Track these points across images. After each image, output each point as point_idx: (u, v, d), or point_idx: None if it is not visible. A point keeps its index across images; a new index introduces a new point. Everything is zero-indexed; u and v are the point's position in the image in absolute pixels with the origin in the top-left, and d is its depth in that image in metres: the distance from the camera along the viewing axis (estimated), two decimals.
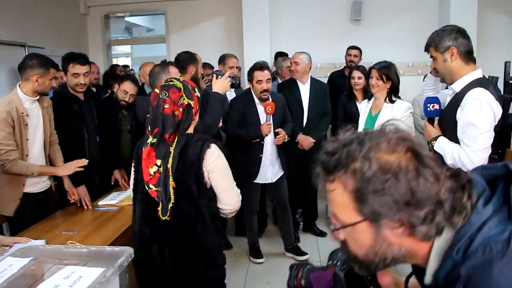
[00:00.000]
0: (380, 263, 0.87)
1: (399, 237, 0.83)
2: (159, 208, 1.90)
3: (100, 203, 3.07)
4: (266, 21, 5.79)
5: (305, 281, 1.14)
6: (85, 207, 3.00)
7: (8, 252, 2.24)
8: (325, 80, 5.14)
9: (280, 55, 5.32)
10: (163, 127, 1.87)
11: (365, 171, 0.80)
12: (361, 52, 5.10)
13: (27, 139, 2.81)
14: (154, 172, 1.89)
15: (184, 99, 1.89)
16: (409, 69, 5.82)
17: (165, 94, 1.87)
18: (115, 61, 7.00)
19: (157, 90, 1.92)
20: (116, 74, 5.03)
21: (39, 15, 5.16)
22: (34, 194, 2.90)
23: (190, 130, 1.96)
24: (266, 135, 3.56)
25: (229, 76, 2.98)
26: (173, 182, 1.87)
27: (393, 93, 3.17)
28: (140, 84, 4.07)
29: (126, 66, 6.15)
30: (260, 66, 3.63)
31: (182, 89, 1.90)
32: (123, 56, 9.00)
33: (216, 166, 1.91)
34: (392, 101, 3.16)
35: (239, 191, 2.04)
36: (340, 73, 5.17)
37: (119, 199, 3.10)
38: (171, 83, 1.94)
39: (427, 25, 5.64)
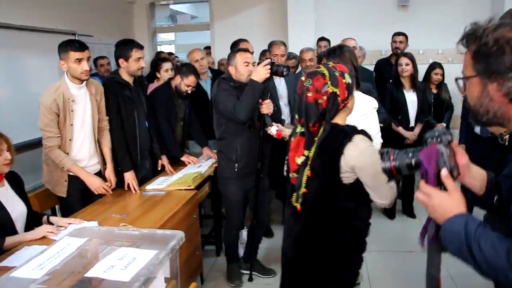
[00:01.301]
0: (484, 115, 1.15)
1: (500, 98, 1.10)
2: (294, 194, 1.92)
3: (148, 187, 3.15)
4: (311, 7, 5.72)
5: (415, 160, 1.28)
6: (133, 192, 3.08)
7: (65, 232, 2.37)
8: (371, 68, 5.06)
9: (322, 40, 5.24)
10: (306, 116, 1.83)
11: (484, 39, 1.08)
12: (407, 38, 4.96)
13: (72, 125, 2.90)
14: (301, 162, 1.88)
15: (328, 86, 1.80)
16: (459, 56, 5.59)
17: (309, 82, 1.82)
18: (159, 49, 7.10)
19: (303, 78, 1.88)
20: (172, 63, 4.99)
21: (88, 4, 5.29)
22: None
23: (340, 119, 1.88)
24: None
25: (273, 63, 2.96)
26: (309, 171, 1.83)
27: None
28: None
29: (171, 54, 6.22)
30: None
31: (328, 76, 1.81)
32: (167, 43, 9.10)
33: (361, 162, 1.77)
34: None
35: (392, 183, 1.83)
36: (386, 61, 5.06)
37: (166, 184, 3.16)
38: (318, 69, 1.87)
39: (477, 10, 5.44)
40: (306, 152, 1.85)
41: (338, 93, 1.80)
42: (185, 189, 3.05)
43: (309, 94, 1.81)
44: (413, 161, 1.28)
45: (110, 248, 1.66)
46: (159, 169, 3.54)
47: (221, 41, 6.13)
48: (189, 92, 3.63)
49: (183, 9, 7.81)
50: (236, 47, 3.65)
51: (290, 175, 1.94)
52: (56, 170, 2.94)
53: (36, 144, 4.09)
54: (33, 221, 2.55)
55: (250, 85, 2.91)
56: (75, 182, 2.95)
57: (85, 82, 2.95)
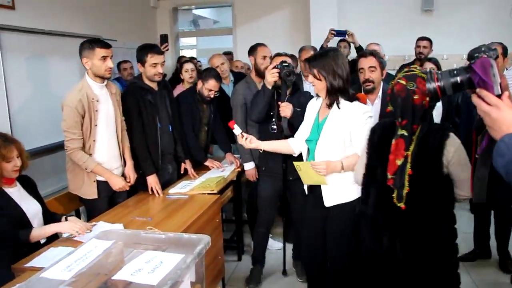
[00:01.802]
0: None
1: None
2: (394, 195, 2.00)
3: (171, 191, 3.16)
4: (334, 12, 5.70)
5: (460, 78, 1.33)
6: (156, 195, 3.10)
7: (92, 234, 2.40)
8: (393, 73, 5.01)
9: (342, 41, 5.20)
10: (413, 118, 1.96)
11: None
12: (431, 43, 4.90)
13: (96, 125, 2.92)
14: (401, 163, 1.99)
15: (428, 88, 1.90)
16: None
17: (414, 85, 1.92)
18: (181, 53, 7.15)
19: (403, 82, 1.95)
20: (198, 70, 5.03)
21: (112, 9, 5.36)
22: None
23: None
24: None
25: (282, 67, 2.99)
26: (410, 169, 1.96)
27: (339, 94, 2.48)
28: None
29: (193, 58, 6.25)
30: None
31: (426, 78, 1.90)
32: (188, 48, 9.16)
33: (457, 156, 1.97)
34: (336, 104, 2.49)
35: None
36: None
37: (189, 188, 3.17)
38: (413, 72, 1.95)
39: (501, 16, 5.35)
40: (405, 153, 1.99)
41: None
42: (208, 193, 3.06)
43: (416, 97, 1.92)
44: (458, 79, 1.28)
45: (137, 251, 1.67)
46: (182, 172, 3.55)
47: (243, 45, 6.12)
48: (212, 96, 3.64)
49: (206, 14, 7.85)
50: (254, 51, 3.66)
51: (386, 176, 2.03)
52: (82, 173, 2.96)
53: (59, 147, 4.16)
54: (50, 222, 2.59)
55: (261, 88, 3.16)
56: (102, 185, 2.98)
57: (105, 82, 2.99)
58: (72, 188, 3.05)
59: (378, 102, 2.98)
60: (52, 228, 2.42)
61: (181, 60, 5.84)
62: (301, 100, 3.16)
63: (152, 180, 3.16)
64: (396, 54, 5.67)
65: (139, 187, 3.22)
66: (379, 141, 2.14)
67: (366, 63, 2.92)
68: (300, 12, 6.14)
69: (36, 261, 2.17)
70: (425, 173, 1.96)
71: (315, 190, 2.63)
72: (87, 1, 4.82)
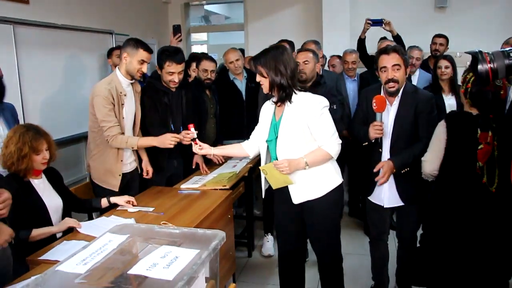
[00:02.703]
0: None
1: None
2: (485, 180, 2.27)
3: (183, 186, 3.17)
4: (347, 9, 5.67)
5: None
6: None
7: (99, 226, 2.46)
8: None
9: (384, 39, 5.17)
10: (500, 110, 2.31)
11: None
12: (447, 40, 4.85)
13: (123, 118, 2.99)
14: (491, 153, 2.27)
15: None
16: None
17: (500, 82, 2.20)
18: (192, 49, 7.15)
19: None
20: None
21: (125, 4, 5.37)
22: (124, 174, 3.06)
23: None
24: (373, 140, 2.75)
25: None
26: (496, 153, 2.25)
27: (281, 88, 2.44)
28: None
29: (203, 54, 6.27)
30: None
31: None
32: (199, 43, 9.16)
33: None
34: (285, 100, 2.47)
35: None
36: (424, 64, 4.96)
37: (201, 183, 3.18)
38: None
39: None
40: (494, 143, 2.25)
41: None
42: (220, 189, 3.06)
43: (502, 92, 2.24)
44: (494, 65, 1.24)
45: (151, 246, 1.67)
46: (193, 167, 3.55)
47: (255, 41, 6.13)
48: (212, 78, 3.62)
49: (217, 9, 7.84)
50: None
51: (480, 165, 2.27)
52: (108, 164, 3.03)
53: (72, 140, 4.21)
54: (78, 209, 2.74)
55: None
56: (122, 178, 3.03)
57: (133, 80, 3.06)
58: (95, 177, 3.12)
59: (396, 103, 2.74)
60: (52, 229, 2.44)
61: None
62: (318, 93, 3.12)
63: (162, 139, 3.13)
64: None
65: (150, 182, 3.28)
66: (460, 133, 2.34)
67: (389, 60, 2.66)
68: (312, 7, 6.10)
69: (50, 254, 2.20)
70: (509, 158, 2.18)
71: (282, 189, 2.59)
72: None
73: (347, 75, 4.50)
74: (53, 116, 3.97)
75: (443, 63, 3.96)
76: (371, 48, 4.78)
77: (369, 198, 2.92)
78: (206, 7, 7.36)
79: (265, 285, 3.41)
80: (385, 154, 2.78)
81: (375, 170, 2.71)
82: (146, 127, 3.25)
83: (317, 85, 3.41)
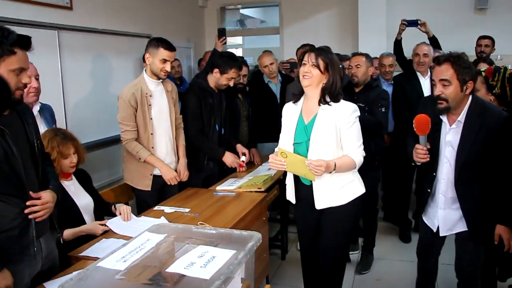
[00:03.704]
0: None
1: None
2: None
3: (218, 188, 3.20)
4: (383, 12, 5.60)
5: None
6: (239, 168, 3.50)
7: (136, 226, 2.53)
8: None
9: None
10: None
11: None
12: (493, 42, 4.70)
13: (151, 119, 3.04)
14: None
15: None
16: None
17: None
18: None
19: None
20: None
21: (162, 8, 5.47)
22: (160, 176, 3.12)
23: None
24: (420, 164, 2.44)
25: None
26: None
27: (332, 90, 2.43)
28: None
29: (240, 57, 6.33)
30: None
31: None
32: (234, 47, 9.22)
33: None
34: (328, 102, 2.44)
35: None
36: None
37: (236, 185, 3.21)
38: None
39: None
40: None
41: None
42: (255, 191, 3.08)
43: None
44: None
45: (189, 246, 1.70)
46: (251, 160, 3.73)
47: (290, 45, 6.12)
48: (243, 82, 3.71)
49: (252, 13, 7.88)
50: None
51: None
52: (138, 165, 3.09)
53: (112, 141, 4.32)
54: (105, 212, 2.75)
55: None
56: (156, 180, 3.09)
57: (159, 79, 3.10)
58: (126, 178, 3.21)
59: (457, 126, 2.34)
60: (82, 229, 2.49)
61: None
62: (370, 96, 3.44)
63: (228, 158, 3.41)
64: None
65: (187, 183, 3.33)
66: None
67: (437, 74, 2.29)
68: (348, 11, 6.06)
69: (90, 251, 2.27)
70: None
71: (306, 193, 2.54)
72: (139, 1, 4.94)
73: (384, 79, 4.45)
74: (92, 117, 4.09)
75: (483, 66, 3.85)
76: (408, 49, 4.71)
77: (422, 216, 2.64)
78: (242, 11, 7.41)
79: None
80: (445, 182, 2.43)
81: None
82: (187, 123, 3.33)
83: (369, 88, 3.51)
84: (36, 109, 2.75)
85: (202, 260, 1.55)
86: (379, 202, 4.73)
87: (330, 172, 2.37)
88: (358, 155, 2.46)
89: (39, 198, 1.86)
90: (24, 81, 1.80)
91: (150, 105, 3.03)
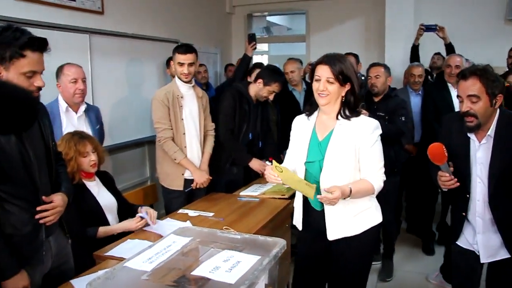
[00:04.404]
0: None
1: None
2: None
3: (242, 193, 3.22)
4: (410, 21, 5.53)
5: None
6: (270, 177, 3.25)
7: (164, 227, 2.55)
8: None
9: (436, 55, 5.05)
10: None
11: None
12: None
13: (182, 119, 3.14)
14: None
15: None
16: None
17: None
18: (253, 59, 7.23)
19: None
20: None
21: (191, 14, 5.55)
22: (189, 181, 3.19)
23: None
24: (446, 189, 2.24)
25: None
26: None
27: (352, 102, 2.14)
28: None
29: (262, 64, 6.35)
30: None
31: None
32: (260, 54, 9.28)
33: None
34: (350, 116, 2.14)
35: None
36: None
37: (260, 191, 3.22)
38: None
39: None
40: None
41: None
42: (279, 198, 3.09)
43: None
44: None
45: (213, 250, 1.72)
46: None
47: (316, 52, 6.09)
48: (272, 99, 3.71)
49: (279, 20, 7.92)
50: None
51: None
52: (172, 165, 3.18)
53: (140, 143, 4.40)
54: (128, 214, 2.75)
55: None
56: (185, 183, 3.16)
57: (192, 84, 3.21)
58: (161, 179, 3.32)
59: (487, 142, 2.18)
60: (116, 227, 2.55)
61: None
62: (389, 105, 3.47)
63: (255, 164, 3.42)
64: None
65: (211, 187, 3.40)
66: None
67: (465, 89, 2.13)
68: (374, 20, 6.03)
69: (115, 251, 2.30)
70: None
71: (316, 219, 2.21)
72: (168, 7, 5.02)
73: (412, 89, 4.40)
74: (119, 120, 4.16)
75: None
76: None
77: (457, 243, 2.38)
78: (268, 18, 7.45)
79: None
80: (481, 203, 2.22)
81: None
82: (219, 122, 3.40)
83: (387, 98, 3.58)
84: (81, 110, 2.96)
85: (227, 264, 1.56)
86: (403, 213, 4.70)
87: (344, 198, 2.05)
88: (378, 179, 2.14)
89: (50, 202, 1.89)
90: (37, 84, 1.76)
91: (181, 106, 3.15)
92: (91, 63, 3.79)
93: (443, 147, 2.09)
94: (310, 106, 2.26)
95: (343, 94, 2.11)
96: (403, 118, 3.48)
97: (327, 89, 2.07)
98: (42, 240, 1.91)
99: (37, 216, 1.85)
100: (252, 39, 4.40)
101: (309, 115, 2.26)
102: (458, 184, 2.15)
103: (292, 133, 2.34)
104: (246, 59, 4.26)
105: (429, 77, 4.87)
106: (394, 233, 3.86)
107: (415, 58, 4.71)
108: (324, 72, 2.07)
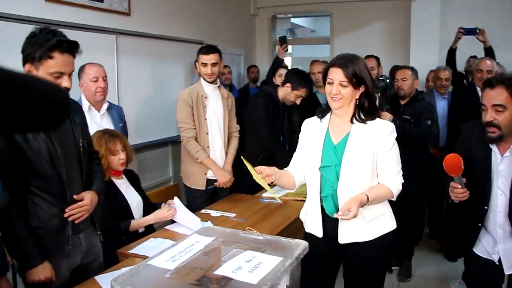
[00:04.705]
0: None
1: None
2: None
3: (264, 195, 3.23)
4: (436, 23, 5.47)
5: None
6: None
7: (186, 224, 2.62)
8: None
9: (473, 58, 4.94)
10: None
11: None
12: None
13: (206, 119, 3.18)
14: None
15: None
16: None
17: None
18: None
19: None
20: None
21: (215, 16, 5.58)
22: (212, 180, 3.22)
23: None
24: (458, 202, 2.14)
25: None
26: None
27: (367, 105, 2.07)
28: None
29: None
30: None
31: None
32: (284, 55, 9.28)
33: None
34: (365, 120, 2.07)
35: None
36: None
37: (283, 193, 3.22)
38: None
39: None
40: None
41: None
42: (301, 200, 3.07)
43: None
44: None
45: (236, 250, 1.72)
46: None
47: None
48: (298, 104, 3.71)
49: (303, 22, 7.92)
50: None
51: None
52: (195, 164, 3.22)
53: (164, 143, 4.45)
54: (150, 212, 2.78)
55: None
56: (208, 183, 3.19)
57: (218, 85, 3.26)
58: (184, 178, 3.37)
59: (510, 153, 2.10)
60: (148, 218, 2.62)
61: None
62: (415, 108, 3.47)
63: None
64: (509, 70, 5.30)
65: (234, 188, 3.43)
66: None
67: (490, 98, 2.05)
68: (400, 23, 5.97)
69: (138, 249, 2.34)
70: None
71: (330, 225, 2.14)
72: (193, 8, 5.07)
73: (438, 92, 4.34)
74: (144, 119, 4.22)
75: None
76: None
77: (473, 250, 2.31)
78: (293, 20, 7.46)
79: None
80: (503, 215, 2.13)
81: None
82: (261, 127, 3.44)
83: (414, 101, 3.58)
84: (104, 108, 3.04)
85: (249, 265, 1.57)
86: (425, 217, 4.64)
87: (362, 206, 1.99)
88: (396, 183, 2.09)
89: (80, 200, 1.97)
90: (64, 85, 1.82)
91: (205, 106, 3.19)
92: (117, 63, 3.85)
93: (461, 159, 1.97)
94: (322, 109, 2.20)
95: (357, 96, 2.05)
96: (429, 122, 3.46)
97: (340, 92, 2.01)
98: (69, 235, 1.96)
99: (66, 215, 1.92)
100: (283, 41, 4.42)
101: (321, 117, 2.18)
102: (465, 198, 2.07)
103: (302, 136, 2.26)
104: (278, 61, 4.31)
105: (465, 80, 4.79)
106: (413, 238, 3.86)
107: (452, 61, 4.65)
108: (337, 75, 2.00)
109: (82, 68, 2.98)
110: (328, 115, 2.16)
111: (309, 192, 2.23)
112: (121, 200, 2.62)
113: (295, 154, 2.31)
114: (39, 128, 1.29)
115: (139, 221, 2.60)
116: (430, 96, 4.28)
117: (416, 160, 3.47)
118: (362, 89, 2.03)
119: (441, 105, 4.32)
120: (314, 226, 2.20)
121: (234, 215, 2.81)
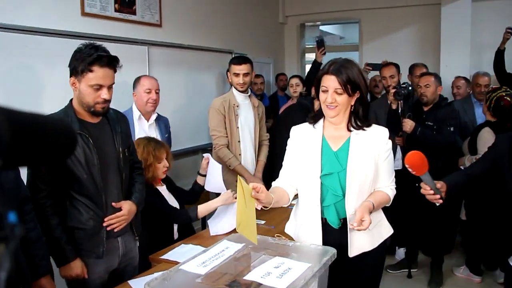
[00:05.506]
0: None
1: None
2: None
3: (293, 202, 3.24)
4: (467, 28, 5.38)
5: None
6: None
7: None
8: None
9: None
10: None
11: None
12: None
13: (238, 127, 3.24)
14: None
15: None
16: None
17: None
18: (306, 68, 7.27)
19: None
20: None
21: (244, 25, 5.66)
22: None
23: None
24: (439, 205, 2.18)
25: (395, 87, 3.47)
26: None
27: (362, 112, 2.00)
28: None
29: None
30: None
31: None
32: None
33: None
34: (362, 126, 2.00)
35: None
36: None
37: None
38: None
39: None
40: None
41: None
42: None
43: None
44: None
45: (265, 256, 1.76)
46: None
47: (369, 61, 6.09)
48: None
49: (332, 30, 7.93)
50: None
51: None
52: (227, 172, 3.26)
53: (197, 150, 4.54)
54: (191, 199, 2.99)
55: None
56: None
57: (249, 94, 3.33)
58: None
59: None
60: (214, 204, 2.72)
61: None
62: (438, 115, 3.45)
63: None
64: None
65: None
66: None
67: None
68: (429, 28, 5.90)
69: (170, 255, 2.40)
70: None
71: (335, 237, 2.01)
72: (222, 19, 5.16)
73: (476, 99, 4.23)
74: (177, 128, 4.29)
75: None
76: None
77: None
78: (321, 27, 7.48)
79: None
80: None
81: None
82: (277, 136, 3.48)
83: (437, 108, 3.55)
84: (153, 118, 3.18)
85: (278, 270, 1.60)
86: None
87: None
88: (392, 188, 2.07)
89: (119, 209, 2.09)
90: (103, 97, 1.98)
91: (237, 115, 3.26)
92: (149, 74, 3.95)
93: (423, 154, 1.90)
94: (314, 115, 2.13)
95: (352, 103, 1.98)
96: (451, 129, 3.42)
97: (336, 100, 1.93)
98: (103, 238, 2.07)
99: (104, 224, 2.05)
100: (321, 44, 4.39)
101: (313, 123, 2.09)
102: (442, 201, 2.03)
103: (292, 144, 2.13)
104: (316, 65, 4.32)
105: None
106: (445, 246, 3.86)
107: (500, 63, 4.51)
108: (331, 82, 1.93)
109: (137, 79, 3.15)
110: (321, 121, 2.07)
111: (306, 202, 2.10)
112: (166, 205, 2.70)
113: (284, 165, 2.17)
114: (52, 161, 1.39)
115: (206, 205, 2.70)
116: (468, 102, 4.19)
117: (438, 167, 3.35)
118: (357, 95, 1.96)
119: (480, 112, 4.20)
120: (311, 239, 2.03)
121: (263, 222, 2.85)
